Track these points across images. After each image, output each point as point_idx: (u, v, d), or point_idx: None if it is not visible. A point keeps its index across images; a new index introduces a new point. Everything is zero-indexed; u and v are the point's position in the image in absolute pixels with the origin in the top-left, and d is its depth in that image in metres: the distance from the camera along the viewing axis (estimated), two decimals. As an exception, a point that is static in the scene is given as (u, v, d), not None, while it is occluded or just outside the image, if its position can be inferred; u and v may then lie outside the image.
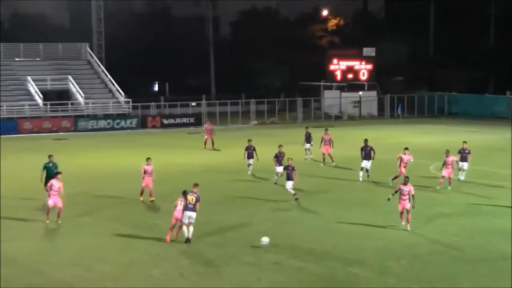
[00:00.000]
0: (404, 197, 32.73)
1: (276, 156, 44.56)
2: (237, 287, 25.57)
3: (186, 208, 30.42)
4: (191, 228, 30.51)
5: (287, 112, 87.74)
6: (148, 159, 39.63)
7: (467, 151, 44.16)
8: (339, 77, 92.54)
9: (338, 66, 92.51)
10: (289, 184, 39.60)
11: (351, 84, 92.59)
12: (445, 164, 42.14)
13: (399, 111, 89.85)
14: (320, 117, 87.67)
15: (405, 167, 43.06)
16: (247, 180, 46.12)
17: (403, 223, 32.91)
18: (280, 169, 43.81)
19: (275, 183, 44.11)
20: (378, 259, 28.83)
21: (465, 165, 43.95)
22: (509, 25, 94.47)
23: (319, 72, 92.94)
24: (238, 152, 50.27)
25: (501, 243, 31.06)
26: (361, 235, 32.63)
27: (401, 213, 32.99)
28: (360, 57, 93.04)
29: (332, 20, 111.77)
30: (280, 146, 45.70)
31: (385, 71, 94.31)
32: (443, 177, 42.33)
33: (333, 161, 51.10)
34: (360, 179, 45.09)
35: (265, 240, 29.78)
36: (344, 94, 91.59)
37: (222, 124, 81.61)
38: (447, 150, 42.52)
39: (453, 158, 42.54)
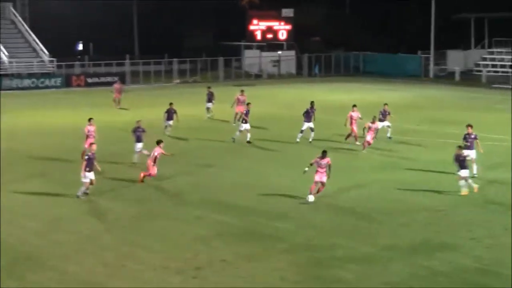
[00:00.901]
0: (321, 170, 30.41)
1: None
2: (160, 240, 25.51)
3: None
4: None
5: (209, 71, 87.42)
6: (90, 119, 38.82)
7: (387, 113, 44.19)
8: (259, 37, 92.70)
9: (258, 26, 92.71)
10: None
11: (271, 44, 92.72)
12: (369, 129, 40.96)
13: (317, 70, 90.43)
14: (241, 76, 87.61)
15: (354, 123, 42.99)
16: (172, 137, 45.91)
17: (311, 195, 30.10)
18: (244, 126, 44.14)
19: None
20: (299, 213, 29.00)
21: (385, 123, 43.81)
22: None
23: (239, 32, 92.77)
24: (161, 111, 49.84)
25: (414, 195, 31.50)
26: (283, 190, 32.69)
27: (315, 183, 30.53)
28: (279, 17, 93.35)
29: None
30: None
31: (304, 32, 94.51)
32: (368, 143, 40.95)
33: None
34: (298, 139, 43.90)
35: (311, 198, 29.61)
36: (264, 54, 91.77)
37: (145, 83, 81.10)
38: (374, 117, 41.86)
39: (376, 125, 41.67)
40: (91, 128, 38.22)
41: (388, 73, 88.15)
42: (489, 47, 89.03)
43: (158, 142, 33.80)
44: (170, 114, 46.92)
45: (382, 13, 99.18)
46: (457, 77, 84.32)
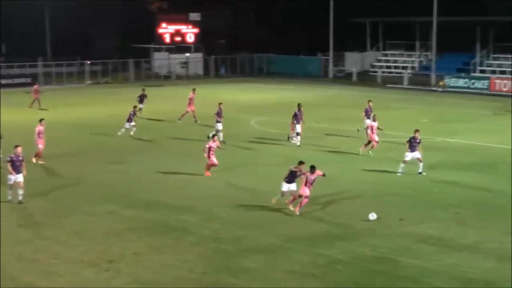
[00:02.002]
0: (309, 185, 27.87)
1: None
2: (74, 235, 25.27)
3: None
4: None
5: (120, 72, 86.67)
6: (41, 120, 37.86)
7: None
8: (167, 40, 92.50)
9: (166, 29, 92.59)
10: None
11: (179, 46, 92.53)
12: (372, 128, 39.71)
13: (223, 71, 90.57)
14: (150, 77, 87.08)
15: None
16: (96, 134, 45.47)
17: (295, 208, 27.96)
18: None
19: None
20: (206, 207, 29.03)
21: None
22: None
23: (149, 36, 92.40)
24: (78, 110, 49.32)
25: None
26: (192, 184, 32.75)
27: (294, 195, 28.42)
28: (186, 21, 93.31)
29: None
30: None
31: (210, 34, 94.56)
32: (376, 142, 39.61)
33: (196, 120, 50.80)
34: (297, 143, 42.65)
35: (373, 216, 27.16)
36: (172, 56, 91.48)
37: (58, 84, 79.94)
38: (374, 115, 41.05)
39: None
40: (41, 129, 37.33)
41: (290, 74, 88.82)
42: (384, 49, 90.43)
43: (213, 136, 35.29)
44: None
45: (285, 17, 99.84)
46: (354, 77, 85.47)
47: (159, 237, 25.15)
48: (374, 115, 40.66)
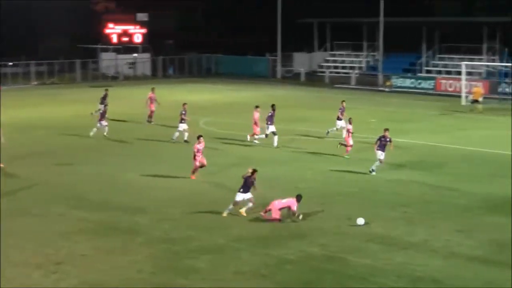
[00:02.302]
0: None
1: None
2: (22, 237, 25.00)
3: None
4: None
5: (66, 73, 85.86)
6: None
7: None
8: (115, 40, 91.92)
9: (113, 30, 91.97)
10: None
11: (127, 47, 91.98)
12: (348, 131, 39.67)
13: (171, 72, 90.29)
14: (98, 77, 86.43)
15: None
16: (49, 135, 45.12)
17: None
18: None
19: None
20: (157, 208, 28.94)
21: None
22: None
23: (96, 36, 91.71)
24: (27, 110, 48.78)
25: (265, 189, 31.92)
26: (142, 186, 32.62)
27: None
28: (134, 22, 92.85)
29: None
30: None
31: (158, 35, 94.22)
32: (351, 145, 39.36)
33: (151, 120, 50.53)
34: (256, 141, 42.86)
35: (360, 221, 26.49)
36: (120, 56, 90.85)
37: (3, 85, 78.88)
38: (350, 118, 40.46)
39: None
40: None
41: (239, 74, 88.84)
42: (331, 50, 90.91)
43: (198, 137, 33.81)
44: (103, 114, 45.76)
45: (232, 17, 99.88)
46: (302, 77, 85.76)
47: (108, 238, 25.01)
48: (350, 118, 40.59)
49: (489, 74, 73.06)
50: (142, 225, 26.68)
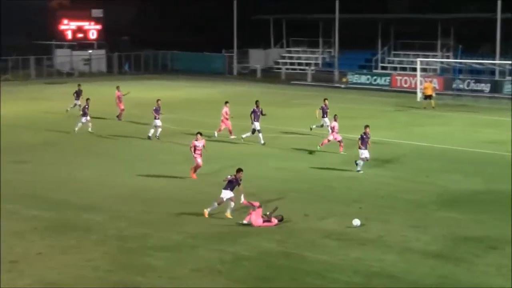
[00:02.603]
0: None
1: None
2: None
3: None
4: None
5: (20, 69, 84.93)
6: None
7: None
8: (69, 37, 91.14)
9: (68, 26, 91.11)
10: None
11: (82, 43, 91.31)
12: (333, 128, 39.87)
13: (127, 68, 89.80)
14: (52, 74, 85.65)
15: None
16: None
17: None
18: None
19: None
20: (110, 205, 28.81)
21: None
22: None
23: (51, 32, 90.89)
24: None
25: (218, 186, 31.88)
26: (96, 183, 32.44)
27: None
28: (89, 18, 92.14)
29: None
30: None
31: (114, 31, 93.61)
32: (329, 140, 39.72)
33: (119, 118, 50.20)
34: (244, 136, 42.43)
35: (356, 222, 25.74)
36: (75, 53, 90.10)
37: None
38: (335, 115, 40.68)
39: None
40: None
41: (195, 71, 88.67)
42: (287, 46, 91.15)
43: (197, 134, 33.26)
44: (85, 111, 45.82)
45: (188, 13, 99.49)
46: (258, 74, 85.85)
47: (63, 236, 24.82)
48: (335, 115, 40.50)
49: (444, 70, 73.78)
50: (96, 222, 26.53)
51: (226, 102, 44.58)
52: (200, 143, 32.62)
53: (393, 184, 32.23)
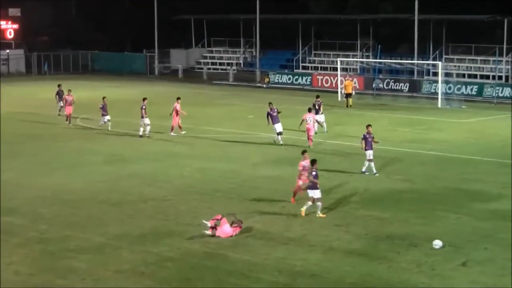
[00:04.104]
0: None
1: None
2: None
3: None
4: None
5: None
6: None
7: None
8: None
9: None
10: None
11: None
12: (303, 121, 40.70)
13: (46, 68, 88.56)
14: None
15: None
16: None
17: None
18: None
19: None
20: (30, 207, 28.39)
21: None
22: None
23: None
24: None
25: (142, 186, 31.75)
26: (14, 185, 31.88)
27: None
28: (6, 17, 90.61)
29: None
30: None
31: (32, 31, 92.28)
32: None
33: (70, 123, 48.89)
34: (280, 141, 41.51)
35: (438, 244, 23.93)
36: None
37: None
38: (310, 108, 41.87)
39: (312, 116, 41.32)
40: None
41: (116, 71, 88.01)
42: (209, 46, 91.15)
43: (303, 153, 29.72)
44: (104, 108, 46.06)
45: (108, 13, 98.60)
46: (180, 74, 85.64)
47: (-19, 240, 24.37)
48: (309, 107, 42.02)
49: (364, 70, 74.68)
50: (17, 225, 26.13)
51: (178, 98, 44.74)
52: (307, 162, 28.59)
53: (316, 183, 32.41)
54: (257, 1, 78.04)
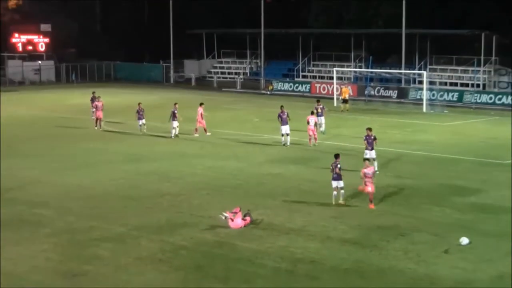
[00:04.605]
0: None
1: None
2: None
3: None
4: None
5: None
6: None
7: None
8: (20, 49, 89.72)
9: (19, 39, 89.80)
10: None
11: (32, 55, 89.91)
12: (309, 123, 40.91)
13: (73, 77, 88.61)
14: (5, 83, 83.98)
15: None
16: None
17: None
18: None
19: None
20: (58, 201, 28.38)
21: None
22: (160, 8, 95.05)
23: (3, 45, 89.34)
24: None
25: (158, 183, 31.72)
26: (42, 182, 31.85)
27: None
28: (38, 32, 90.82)
29: (12, 0, 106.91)
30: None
31: (61, 44, 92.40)
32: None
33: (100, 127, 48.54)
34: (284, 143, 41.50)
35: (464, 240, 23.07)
36: (26, 63, 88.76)
37: None
38: (312, 111, 42.28)
39: (314, 118, 41.58)
40: None
41: (135, 79, 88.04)
42: (218, 57, 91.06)
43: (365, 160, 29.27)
44: (140, 113, 45.53)
45: (128, 28, 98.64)
46: (193, 82, 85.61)
47: (16, 230, 24.33)
48: (312, 111, 42.32)
49: (357, 78, 74.56)
50: (46, 217, 26.12)
51: (201, 104, 44.73)
52: (370, 170, 27.76)
53: (314, 180, 32.33)
54: (262, 17, 78.04)
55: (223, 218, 24.71)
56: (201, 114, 44.35)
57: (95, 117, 48.33)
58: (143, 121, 45.23)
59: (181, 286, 19.52)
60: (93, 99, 51.83)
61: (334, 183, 27.91)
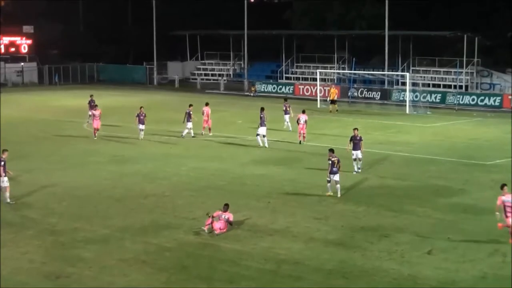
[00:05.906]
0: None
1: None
2: None
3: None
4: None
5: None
6: None
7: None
8: (2, 51, 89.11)
9: (1, 41, 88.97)
10: None
11: (14, 57, 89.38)
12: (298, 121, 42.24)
13: (56, 79, 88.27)
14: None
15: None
16: None
17: None
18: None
19: None
20: (43, 202, 28.30)
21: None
22: (143, 9, 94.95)
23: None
24: None
25: (143, 183, 31.71)
26: (28, 183, 31.74)
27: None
28: (20, 33, 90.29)
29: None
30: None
31: (44, 45, 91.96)
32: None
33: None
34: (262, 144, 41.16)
35: None
36: (7, 65, 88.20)
37: None
38: (304, 110, 43.19)
39: (305, 116, 42.42)
40: None
41: (119, 81, 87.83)
42: (202, 59, 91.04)
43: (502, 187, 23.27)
44: (140, 118, 43.83)
45: (112, 29, 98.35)
46: (176, 84, 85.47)
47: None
48: (304, 110, 43.61)
49: (340, 80, 74.75)
50: (30, 219, 26.05)
51: (207, 104, 45.09)
52: (508, 197, 22.70)
53: (297, 181, 32.41)
54: (245, 19, 78.10)
55: (206, 231, 24.29)
56: (208, 114, 44.91)
57: (93, 127, 44.86)
58: (143, 126, 43.41)
59: (165, 287, 19.54)
60: (90, 103, 50.59)
61: (331, 176, 29.07)
